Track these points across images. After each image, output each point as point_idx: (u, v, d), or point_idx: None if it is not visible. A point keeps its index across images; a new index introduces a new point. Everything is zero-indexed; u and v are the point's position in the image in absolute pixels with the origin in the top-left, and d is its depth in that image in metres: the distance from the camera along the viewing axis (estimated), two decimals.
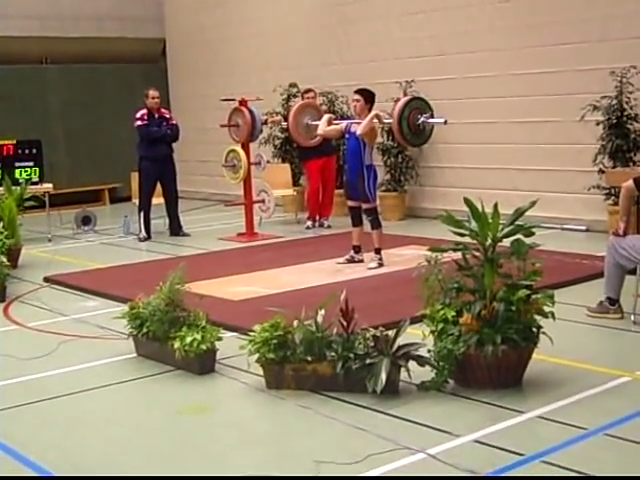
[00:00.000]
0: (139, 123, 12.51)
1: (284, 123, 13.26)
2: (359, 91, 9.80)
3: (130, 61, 18.44)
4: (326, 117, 10.32)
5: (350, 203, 9.95)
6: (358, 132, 9.51)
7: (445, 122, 9.64)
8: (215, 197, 16.83)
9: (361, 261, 9.88)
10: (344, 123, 10.07)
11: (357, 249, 9.94)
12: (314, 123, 10.78)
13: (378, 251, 9.68)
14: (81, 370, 6.49)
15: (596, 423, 4.94)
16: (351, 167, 9.80)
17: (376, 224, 9.69)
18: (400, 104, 9.53)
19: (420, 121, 9.40)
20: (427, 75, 13.22)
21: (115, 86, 17.99)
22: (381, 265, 9.61)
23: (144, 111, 12.58)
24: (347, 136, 9.88)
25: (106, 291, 8.97)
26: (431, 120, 9.50)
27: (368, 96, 9.71)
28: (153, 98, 12.64)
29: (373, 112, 9.60)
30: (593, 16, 11.46)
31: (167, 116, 12.89)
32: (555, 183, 11.99)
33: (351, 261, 9.89)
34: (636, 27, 11.03)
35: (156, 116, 12.64)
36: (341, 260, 9.94)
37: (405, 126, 9.39)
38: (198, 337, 6.06)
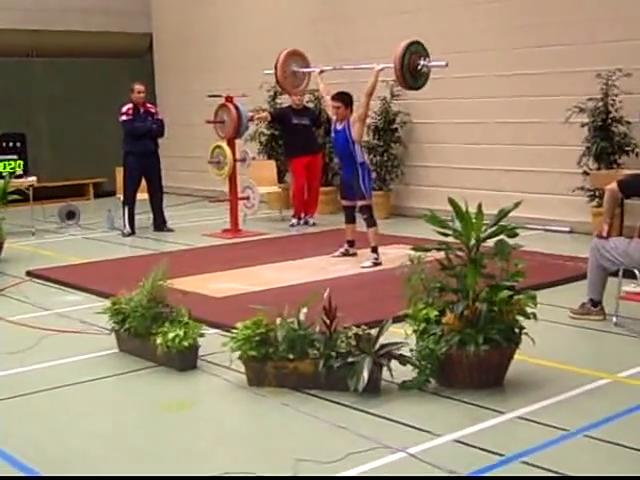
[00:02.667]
0: (124, 118, 12.47)
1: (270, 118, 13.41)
2: (337, 97, 9.73)
3: (116, 55, 18.36)
4: (317, 71, 10.66)
5: (344, 202, 9.97)
6: (354, 137, 9.50)
7: (446, 64, 9.52)
8: (200, 193, 16.79)
9: (354, 255, 9.92)
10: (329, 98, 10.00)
11: (351, 243, 9.97)
12: (301, 70, 10.85)
13: (374, 249, 9.67)
14: (62, 365, 6.46)
15: (576, 424, 4.95)
16: (345, 166, 9.81)
17: (371, 222, 9.68)
18: (403, 44, 9.41)
19: (421, 65, 9.38)
20: None
21: (101, 80, 17.89)
22: (377, 264, 9.56)
23: (129, 105, 12.53)
24: (333, 135, 9.87)
25: (89, 286, 8.94)
26: (432, 63, 9.48)
27: (347, 99, 9.71)
28: (139, 92, 12.59)
29: (374, 74, 9.62)
30: (579, 18, 11.49)
31: (153, 111, 12.85)
32: (539, 184, 12.03)
33: (345, 254, 9.94)
34: (622, 30, 11.07)
35: (141, 111, 12.59)
36: (336, 254, 9.97)
37: (406, 66, 9.34)
38: (180, 333, 6.05)
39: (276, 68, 10.94)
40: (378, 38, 13.82)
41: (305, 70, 10.93)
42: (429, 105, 13.06)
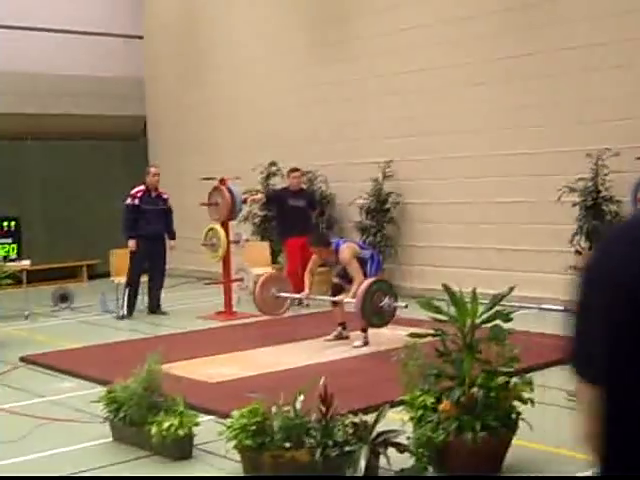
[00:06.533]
0: (128, 201, 12.41)
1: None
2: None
3: (111, 138, 18.50)
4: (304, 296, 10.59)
5: (335, 280, 9.99)
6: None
7: (406, 306, 9.46)
8: (194, 274, 16.76)
9: (347, 337, 9.91)
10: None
11: (343, 325, 9.98)
12: (282, 295, 10.78)
13: (364, 330, 9.70)
14: (56, 455, 6.40)
15: None
16: None
17: None
18: (366, 283, 9.40)
19: (383, 303, 9.42)
20: (405, 155, 13.33)
21: (95, 163, 18.01)
22: (366, 344, 9.64)
23: (141, 188, 12.51)
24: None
25: (83, 372, 8.88)
26: (394, 304, 9.53)
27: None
28: (154, 175, 12.55)
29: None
30: (568, 99, 11.67)
31: (165, 197, 12.81)
32: (532, 263, 12.06)
33: (339, 337, 9.92)
34: (609, 110, 11.23)
35: (153, 195, 12.58)
36: (329, 337, 9.95)
37: (368, 304, 9.32)
38: (175, 422, 6.00)
39: (254, 293, 10.85)
40: (369, 120, 13.98)
41: (285, 295, 10.83)
42: (421, 185, 13.16)
